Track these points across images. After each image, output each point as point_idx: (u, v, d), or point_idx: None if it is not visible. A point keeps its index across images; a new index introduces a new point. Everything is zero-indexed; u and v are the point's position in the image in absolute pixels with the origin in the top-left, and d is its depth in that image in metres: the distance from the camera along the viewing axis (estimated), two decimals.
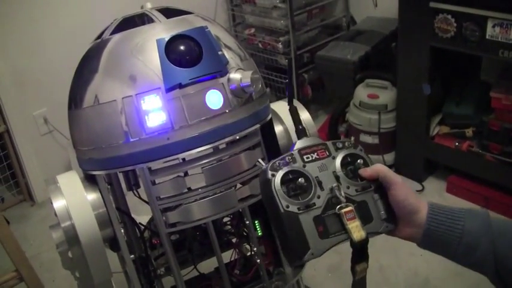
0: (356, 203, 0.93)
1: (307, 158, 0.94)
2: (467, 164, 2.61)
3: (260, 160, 0.99)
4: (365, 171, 0.95)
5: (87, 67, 1.27)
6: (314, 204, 0.89)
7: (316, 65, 3.38)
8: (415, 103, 2.68)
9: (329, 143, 0.97)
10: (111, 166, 1.23)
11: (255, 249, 1.41)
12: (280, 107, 1.56)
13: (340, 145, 0.98)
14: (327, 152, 0.96)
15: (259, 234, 1.51)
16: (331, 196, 0.91)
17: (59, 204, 1.25)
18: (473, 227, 0.91)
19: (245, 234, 1.54)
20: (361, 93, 2.97)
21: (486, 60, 2.77)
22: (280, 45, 3.43)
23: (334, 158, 0.96)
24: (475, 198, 2.63)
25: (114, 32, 1.27)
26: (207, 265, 1.59)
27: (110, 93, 1.19)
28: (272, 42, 3.48)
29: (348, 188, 0.94)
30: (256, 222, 1.49)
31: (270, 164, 0.91)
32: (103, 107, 1.20)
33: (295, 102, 1.61)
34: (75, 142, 1.30)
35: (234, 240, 1.55)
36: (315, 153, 0.95)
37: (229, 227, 1.56)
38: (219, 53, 1.24)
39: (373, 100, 2.91)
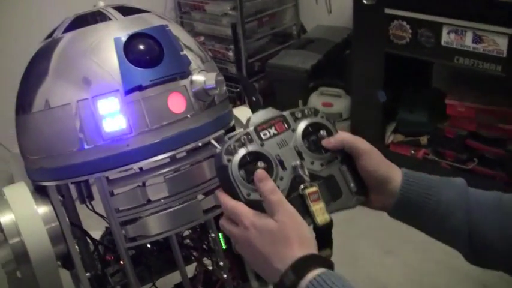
0: (322, 179, 0.87)
1: (265, 134, 0.86)
2: (423, 172, 2.59)
3: (213, 141, 0.89)
4: (329, 142, 0.89)
5: (36, 68, 1.16)
6: (278, 187, 0.81)
7: (267, 74, 3.34)
8: (370, 111, 2.67)
9: (287, 114, 0.90)
10: (64, 176, 1.12)
11: (221, 263, 1.34)
12: (241, 113, 1.49)
13: (300, 114, 0.90)
14: (286, 125, 0.88)
15: (224, 247, 1.43)
16: (295, 175, 0.84)
17: (6, 218, 1.13)
18: (449, 196, 0.88)
19: (206, 248, 1.45)
20: (315, 101, 2.95)
21: (437, 67, 2.79)
22: (230, 54, 3.38)
23: (294, 130, 0.88)
24: None
25: (66, 30, 1.17)
26: (164, 281, 1.49)
27: (63, 96, 1.09)
28: (222, 50, 3.42)
29: (312, 163, 0.87)
30: (220, 234, 1.41)
31: (225, 147, 0.83)
32: (55, 112, 1.09)
33: (245, 110, 1.56)
34: (24, 150, 1.19)
35: (194, 254, 1.47)
36: (273, 128, 0.87)
37: (188, 240, 1.48)
38: (181, 53, 1.15)
39: (327, 109, 2.90)
